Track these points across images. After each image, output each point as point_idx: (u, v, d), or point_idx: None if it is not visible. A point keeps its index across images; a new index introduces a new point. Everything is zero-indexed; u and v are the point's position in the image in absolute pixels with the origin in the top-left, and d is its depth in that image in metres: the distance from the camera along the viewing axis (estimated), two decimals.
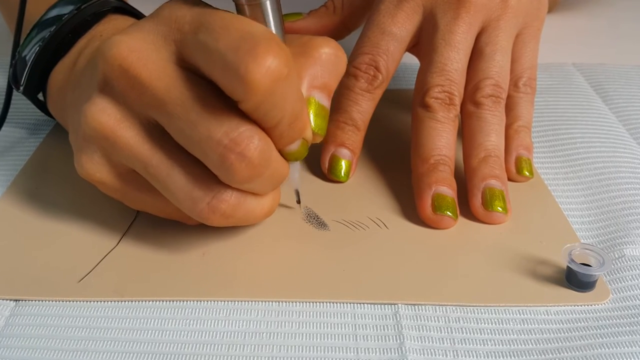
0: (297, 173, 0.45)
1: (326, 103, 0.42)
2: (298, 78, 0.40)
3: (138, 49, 0.39)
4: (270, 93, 0.35)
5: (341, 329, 0.39)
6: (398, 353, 0.37)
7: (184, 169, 0.39)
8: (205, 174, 0.39)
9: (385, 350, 0.38)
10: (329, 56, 0.41)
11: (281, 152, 0.40)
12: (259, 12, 0.39)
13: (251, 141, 0.37)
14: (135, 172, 0.42)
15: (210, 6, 0.39)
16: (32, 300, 0.41)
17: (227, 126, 0.37)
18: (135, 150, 0.40)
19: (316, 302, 0.41)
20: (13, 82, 0.52)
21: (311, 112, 0.41)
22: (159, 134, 0.40)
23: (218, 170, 0.38)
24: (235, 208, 0.40)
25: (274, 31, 0.39)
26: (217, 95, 0.37)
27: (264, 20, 0.39)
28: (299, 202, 0.48)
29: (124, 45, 0.39)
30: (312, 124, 0.41)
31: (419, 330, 0.39)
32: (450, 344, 0.38)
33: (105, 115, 0.40)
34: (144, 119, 0.40)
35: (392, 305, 0.40)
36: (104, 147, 0.41)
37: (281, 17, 0.40)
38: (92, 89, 0.41)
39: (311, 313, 0.40)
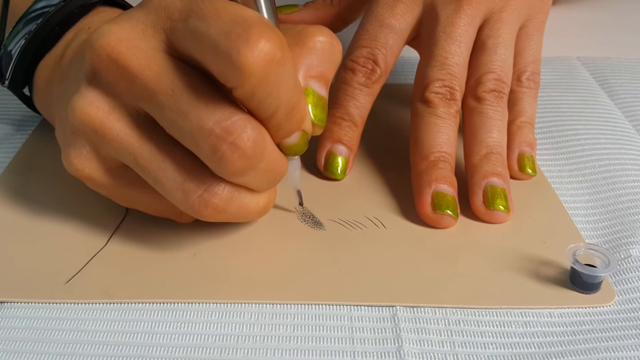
0: (298, 171, 0.45)
1: (324, 93, 0.42)
2: (294, 67, 0.40)
3: (127, 38, 0.38)
4: (264, 77, 0.35)
5: (337, 332, 0.39)
6: (396, 357, 0.37)
7: (176, 161, 0.39)
8: (198, 166, 0.39)
9: (383, 354, 0.37)
10: (323, 45, 0.41)
11: (280, 146, 0.40)
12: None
13: (244, 130, 0.37)
14: (125, 166, 0.42)
15: None
16: (17, 303, 0.41)
17: (219, 115, 0.37)
18: (125, 142, 0.40)
19: (311, 304, 0.41)
20: None
21: (309, 102, 0.41)
22: (149, 126, 0.40)
23: (210, 162, 0.38)
24: (228, 202, 0.40)
25: (266, 17, 0.39)
26: (208, 84, 0.37)
27: (255, 7, 0.39)
28: (301, 204, 0.48)
29: (113, 35, 0.39)
30: (311, 114, 0.41)
31: (418, 334, 0.39)
32: (451, 347, 0.38)
33: (93, 107, 0.40)
34: (134, 110, 0.40)
35: (390, 308, 0.40)
36: (92, 140, 0.41)
37: (273, 5, 0.40)
38: (80, 81, 0.41)
39: (306, 316, 0.40)
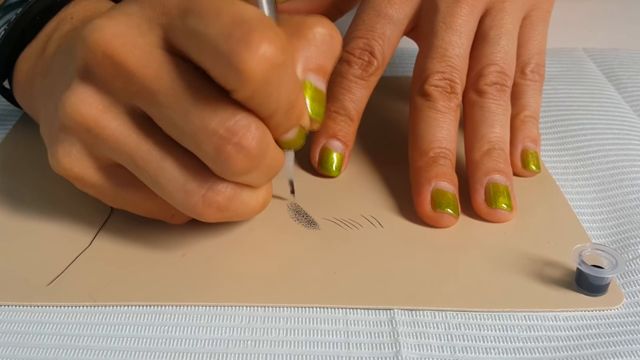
0: (292, 162, 0.45)
1: (322, 86, 0.42)
2: (294, 65, 0.40)
3: (122, 34, 0.38)
4: (265, 82, 0.35)
5: (333, 336, 0.39)
6: None
7: (176, 160, 0.39)
8: (198, 166, 0.39)
9: (380, 359, 0.38)
10: (323, 36, 0.41)
11: (277, 141, 0.40)
12: None
13: (248, 130, 0.37)
14: (116, 166, 0.42)
15: None
16: None
17: (221, 115, 0.37)
18: (121, 141, 0.40)
19: (305, 308, 0.40)
20: None
21: (307, 97, 0.41)
22: (147, 124, 0.40)
23: (213, 163, 0.38)
24: (230, 200, 0.40)
25: (266, 13, 0.39)
26: (208, 82, 0.37)
27: (255, 1, 0.39)
28: (293, 192, 0.48)
29: (107, 30, 0.38)
30: (309, 109, 0.41)
31: (417, 338, 0.39)
32: (451, 352, 0.38)
33: (86, 105, 0.40)
34: (130, 108, 0.40)
35: (388, 311, 0.40)
36: (84, 139, 0.40)
37: None
38: (70, 77, 0.41)
39: (300, 319, 0.40)
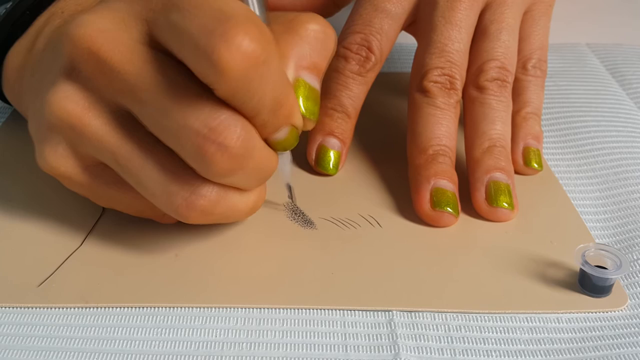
0: (288, 165, 0.45)
1: (316, 84, 0.42)
2: (283, 59, 0.40)
3: (107, 30, 0.38)
4: (245, 79, 0.35)
5: (330, 338, 0.39)
6: None
7: (159, 161, 0.39)
8: (182, 167, 0.39)
9: None
10: (316, 34, 0.41)
11: (268, 142, 0.40)
12: None
13: (232, 130, 0.37)
14: (103, 165, 0.41)
15: None
16: None
17: (205, 114, 0.36)
18: (104, 140, 0.39)
19: (302, 309, 0.40)
20: None
21: (300, 95, 0.41)
22: (130, 123, 0.39)
23: (196, 163, 0.38)
24: (215, 204, 0.40)
25: (254, 9, 0.39)
26: (193, 80, 0.37)
27: None
28: (291, 198, 0.48)
29: (92, 26, 0.38)
30: (302, 108, 0.41)
31: (416, 340, 0.39)
32: (451, 354, 0.38)
33: (71, 102, 0.40)
34: (114, 106, 0.39)
35: (386, 313, 0.40)
36: (69, 137, 0.40)
37: None
38: (56, 74, 0.41)
39: (296, 321, 0.40)
